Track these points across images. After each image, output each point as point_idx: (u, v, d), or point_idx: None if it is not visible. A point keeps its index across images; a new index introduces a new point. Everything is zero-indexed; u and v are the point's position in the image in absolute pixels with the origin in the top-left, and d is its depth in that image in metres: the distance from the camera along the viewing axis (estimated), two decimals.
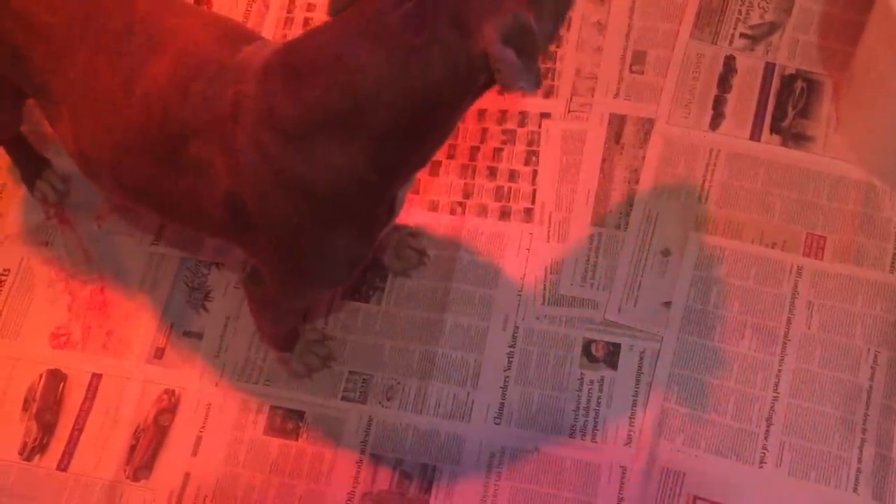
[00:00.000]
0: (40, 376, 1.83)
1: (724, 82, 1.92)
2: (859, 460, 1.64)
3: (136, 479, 1.74)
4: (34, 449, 1.78)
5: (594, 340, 1.76)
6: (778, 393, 1.70)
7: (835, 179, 1.83)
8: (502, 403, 1.73)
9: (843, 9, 1.94)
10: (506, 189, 1.88)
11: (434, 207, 1.88)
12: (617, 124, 1.91)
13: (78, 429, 1.79)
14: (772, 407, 1.69)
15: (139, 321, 1.85)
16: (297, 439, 1.74)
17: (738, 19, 1.96)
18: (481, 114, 1.93)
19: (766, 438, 1.67)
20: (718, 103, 1.90)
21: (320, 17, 2.07)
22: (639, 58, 1.95)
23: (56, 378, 1.83)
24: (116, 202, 1.91)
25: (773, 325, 1.74)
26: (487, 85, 1.23)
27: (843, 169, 1.83)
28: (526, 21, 1.16)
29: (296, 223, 1.33)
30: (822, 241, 1.79)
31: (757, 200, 1.82)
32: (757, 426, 1.68)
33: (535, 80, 1.19)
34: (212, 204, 1.36)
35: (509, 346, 1.77)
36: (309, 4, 2.09)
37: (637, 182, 1.86)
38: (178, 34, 1.37)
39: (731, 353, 1.73)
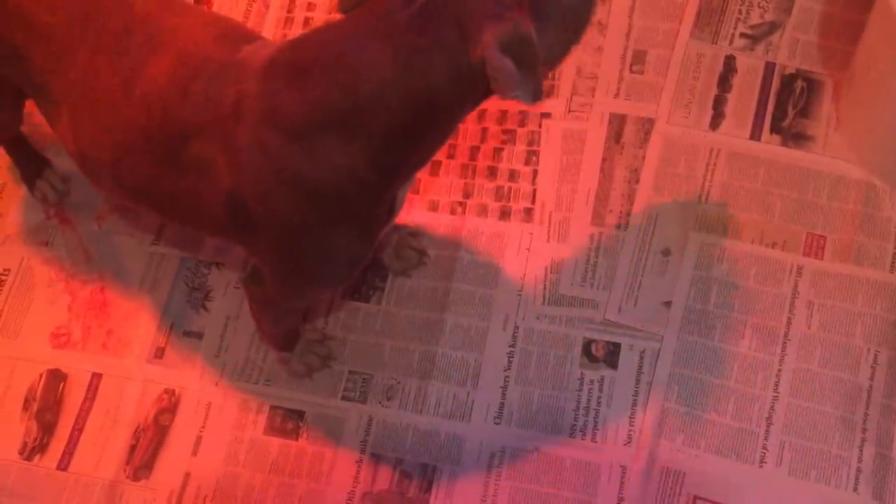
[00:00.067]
0: (40, 376, 1.83)
1: (725, 82, 1.92)
2: (859, 460, 1.64)
3: (136, 478, 1.74)
4: (34, 449, 1.78)
5: (594, 340, 1.76)
6: (778, 392, 1.70)
7: (835, 179, 1.83)
8: (502, 403, 1.74)
9: (843, 8, 1.94)
10: (506, 189, 1.88)
11: (434, 207, 1.88)
12: (617, 124, 1.91)
13: (78, 428, 1.79)
14: (772, 406, 1.69)
15: (139, 321, 1.85)
16: (297, 439, 1.74)
17: (738, 19, 1.96)
18: (481, 114, 1.93)
19: (766, 438, 1.67)
20: (718, 103, 1.90)
21: (320, 16, 2.07)
22: (639, 57, 1.95)
23: (56, 378, 1.83)
24: (116, 202, 1.91)
25: (774, 324, 1.74)
26: (489, 91, 1.23)
27: (844, 168, 1.83)
28: (526, 31, 1.16)
29: (297, 222, 1.33)
30: (823, 241, 1.79)
31: (757, 200, 1.82)
32: (757, 426, 1.68)
33: (534, 91, 1.19)
34: (213, 203, 1.36)
35: (509, 346, 1.77)
36: (309, 4, 2.09)
37: (637, 182, 1.86)
38: (177, 34, 1.37)
39: (732, 352, 1.73)
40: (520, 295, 1.80)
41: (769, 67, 1.92)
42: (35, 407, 1.81)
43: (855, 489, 1.63)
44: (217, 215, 1.37)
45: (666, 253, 1.80)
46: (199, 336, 1.83)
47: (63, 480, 1.75)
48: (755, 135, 1.87)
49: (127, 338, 1.85)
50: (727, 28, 1.95)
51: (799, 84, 1.90)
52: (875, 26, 1.72)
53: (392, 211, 1.42)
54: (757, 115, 1.89)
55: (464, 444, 1.72)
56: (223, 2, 2.11)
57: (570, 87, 1.94)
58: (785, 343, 1.73)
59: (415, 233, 1.84)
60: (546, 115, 1.92)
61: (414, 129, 1.26)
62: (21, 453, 1.78)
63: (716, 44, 1.95)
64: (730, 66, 1.93)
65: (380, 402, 1.75)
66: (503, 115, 1.93)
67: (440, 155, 1.88)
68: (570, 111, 1.93)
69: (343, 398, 1.76)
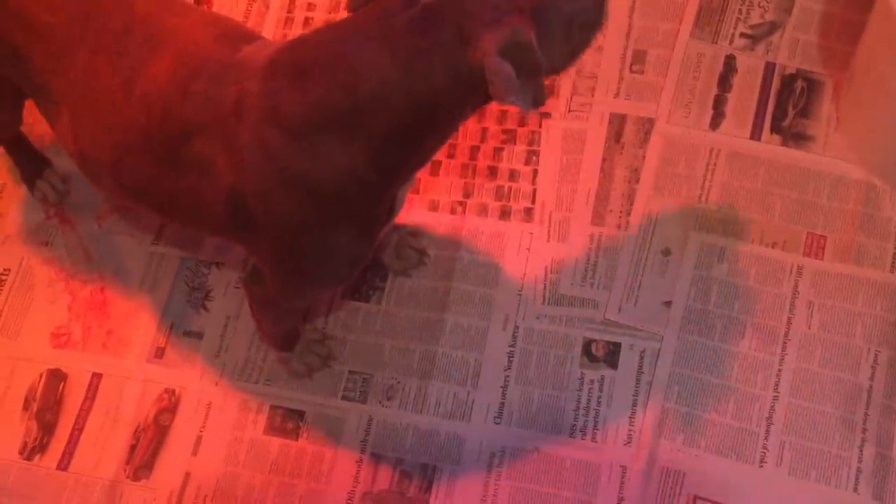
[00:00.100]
0: (41, 376, 1.83)
1: (725, 82, 1.92)
2: (859, 460, 1.64)
3: (136, 478, 1.74)
4: (34, 448, 1.78)
5: (594, 340, 1.76)
6: (778, 392, 1.70)
7: (835, 179, 1.83)
8: (502, 403, 1.73)
9: (843, 8, 1.94)
10: (506, 188, 1.88)
11: (434, 207, 1.88)
12: (617, 124, 1.91)
13: (78, 428, 1.79)
14: (772, 406, 1.69)
15: (139, 321, 1.85)
16: (297, 439, 1.74)
17: (738, 19, 1.96)
18: (481, 113, 1.93)
19: (766, 438, 1.67)
20: (719, 103, 1.90)
21: (320, 16, 2.07)
22: (639, 57, 1.94)
23: (56, 378, 1.83)
24: (116, 202, 1.91)
25: (774, 324, 1.74)
26: (489, 96, 1.23)
27: (844, 168, 1.83)
28: (525, 38, 1.16)
29: (297, 221, 1.33)
30: (823, 241, 1.79)
31: (757, 200, 1.82)
32: (757, 426, 1.68)
33: (533, 98, 1.19)
34: (213, 202, 1.36)
35: (509, 346, 1.77)
36: (309, 4, 2.09)
37: (637, 181, 1.86)
38: (177, 34, 1.37)
39: (732, 352, 1.73)
40: (520, 295, 1.80)
41: (769, 67, 1.92)
42: (35, 407, 1.81)
43: (855, 489, 1.63)
44: (217, 214, 1.37)
45: (666, 253, 1.80)
46: (200, 336, 1.83)
47: (63, 480, 1.75)
48: (755, 135, 1.87)
49: (127, 338, 1.85)
50: (727, 28, 1.95)
51: (799, 84, 1.91)
52: (875, 26, 1.72)
53: (392, 211, 1.42)
54: (757, 115, 1.89)
55: (464, 444, 1.71)
56: (223, 2, 2.11)
57: (570, 86, 1.94)
58: (785, 343, 1.73)
59: (415, 232, 1.84)
60: (546, 115, 1.92)
61: (414, 131, 1.26)
62: (21, 453, 1.78)
63: (716, 44, 1.95)
64: (730, 65, 1.93)
65: (380, 402, 1.75)
66: (503, 114, 1.93)
67: (440, 154, 1.88)
68: (570, 111, 1.93)
69: (343, 398, 1.76)
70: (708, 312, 1.75)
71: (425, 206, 1.88)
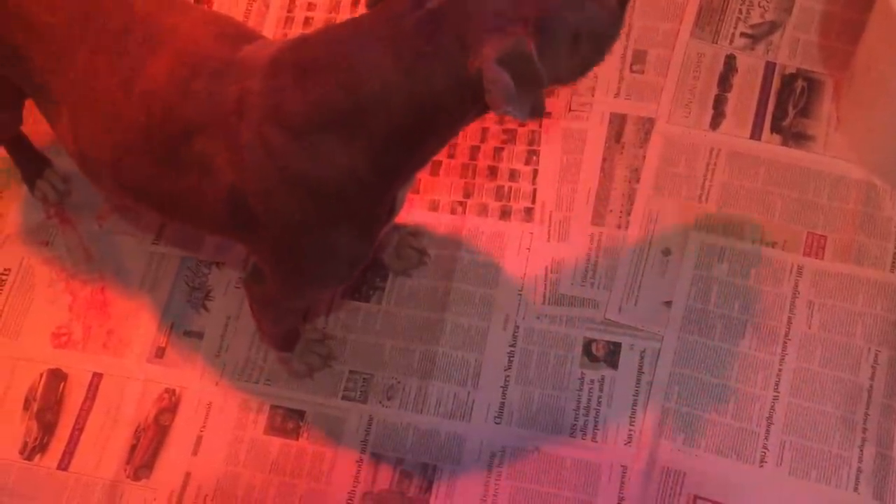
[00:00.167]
0: (41, 376, 1.83)
1: (725, 81, 1.92)
2: (860, 460, 1.64)
3: (136, 478, 1.74)
4: (35, 448, 1.78)
5: (595, 340, 1.76)
6: (778, 392, 1.70)
7: (835, 179, 1.83)
8: (503, 403, 1.73)
9: (843, 8, 1.94)
10: (506, 188, 1.88)
11: (434, 207, 1.88)
12: (617, 123, 1.91)
13: (78, 428, 1.79)
14: (772, 406, 1.69)
15: (140, 321, 1.85)
16: (297, 439, 1.74)
17: (738, 18, 1.96)
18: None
19: (766, 438, 1.67)
20: (719, 102, 1.90)
21: (321, 16, 2.07)
22: (639, 57, 1.94)
23: (57, 377, 1.83)
24: (117, 202, 1.91)
25: (774, 324, 1.74)
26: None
27: (844, 168, 1.83)
28: (526, 48, 1.16)
29: (298, 220, 1.33)
30: (823, 241, 1.79)
31: (757, 200, 1.82)
32: (757, 425, 1.68)
33: (530, 109, 1.19)
34: (214, 201, 1.36)
35: (510, 346, 1.77)
36: (309, 4, 2.09)
37: (637, 181, 1.86)
38: (177, 33, 1.37)
39: (732, 352, 1.73)
40: (520, 294, 1.80)
41: (769, 67, 1.92)
42: (35, 407, 1.81)
43: (855, 489, 1.63)
44: (218, 213, 1.37)
45: (666, 252, 1.80)
46: (200, 336, 1.83)
47: (63, 480, 1.75)
48: (755, 134, 1.87)
49: (127, 337, 1.85)
50: (727, 27, 1.95)
51: (799, 84, 1.90)
52: (875, 26, 1.72)
53: (392, 211, 1.42)
54: (757, 115, 1.89)
55: (464, 444, 1.72)
56: (223, 1, 2.11)
57: (570, 86, 1.94)
58: (785, 343, 1.73)
59: (415, 232, 1.84)
60: (546, 115, 1.92)
61: (414, 133, 1.26)
62: (21, 453, 1.78)
63: (716, 43, 1.95)
64: (730, 65, 1.93)
65: (380, 402, 1.75)
66: None
67: (440, 154, 1.87)
68: (570, 110, 1.93)
69: (343, 398, 1.76)
70: (708, 312, 1.75)
71: (425, 206, 1.88)
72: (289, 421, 1.75)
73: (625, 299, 1.77)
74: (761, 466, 1.65)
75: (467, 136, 1.92)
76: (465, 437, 1.72)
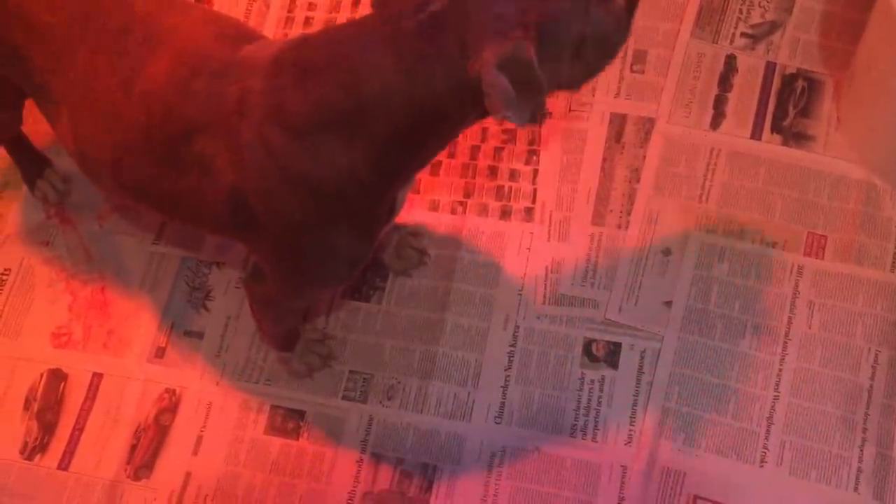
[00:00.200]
0: (41, 376, 1.83)
1: (725, 81, 1.92)
2: (860, 460, 1.64)
3: (136, 478, 1.74)
4: (35, 448, 1.78)
5: (595, 340, 1.76)
6: (779, 392, 1.70)
7: (836, 179, 1.83)
8: (503, 403, 1.73)
9: (844, 8, 1.94)
10: (506, 188, 1.88)
11: (435, 207, 1.88)
12: (618, 123, 1.90)
13: (79, 428, 1.79)
14: (772, 406, 1.69)
15: (140, 321, 1.85)
16: (297, 439, 1.74)
17: (738, 18, 1.96)
18: None
19: (766, 438, 1.67)
20: (719, 102, 1.90)
21: (321, 16, 2.07)
22: (639, 57, 1.94)
23: (57, 377, 1.83)
24: (117, 202, 1.91)
25: (774, 324, 1.74)
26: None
27: (844, 168, 1.83)
28: (525, 54, 1.15)
29: (298, 220, 1.33)
30: (823, 241, 1.79)
31: (758, 200, 1.82)
32: (758, 426, 1.68)
33: (529, 114, 1.18)
34: (214, 201, 1.36)
35: (510, 346, 1.77)
36: (310, 4, 2.09)
37: (638, 181, 1.86)
38: (177, 32, 1.37)
39: (732, 352, 1.72)
40: (520, 294, 1.80)
41: (770, 67, 1.92)
42: (36, 407, 1.81)
43: (856, 489, 1.63)
44: (219, 213, 1.37)
45: (666, 252, 1.80)
46: (200, 336, 1.83)
47: (64, 480, 1.75)
48: (756, 134, 1.87)
49: (128, 337, 1.85)
50: (728, 27, 1.95)
51: (800, 83, 1.90)
52: (876, 25, 1.72)
53: (392, 211, 1.42)
54: (758, 115, 1.89)
55: (464, 444, 1.72)
56: (224, 1, 2.11)
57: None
58: (786, 343, 1.73)
59: (415, 232, 1.84)
60: (546, 115, 1.92)
61: (414, 135, 1.26)
62: (22, 453, 1.78)
63: (716, 43, 1.95)
64: (730, 65, 1.93)
65: (380, 402, 1.75)
66: None
67: (441, 154, 1.87)
68: (570, 110, 1.93)
69: (343, 398, 1.76)
70: (708, 312, 1.75)
71: (426, 206, 1.88)
72: (289, 421, 1.75)
73: (625, 299, 1.77)
74: (761, 466, 1.65)
75: (468, 135, 1.92)
76: (465, 437, 1.72)
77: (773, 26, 1.95)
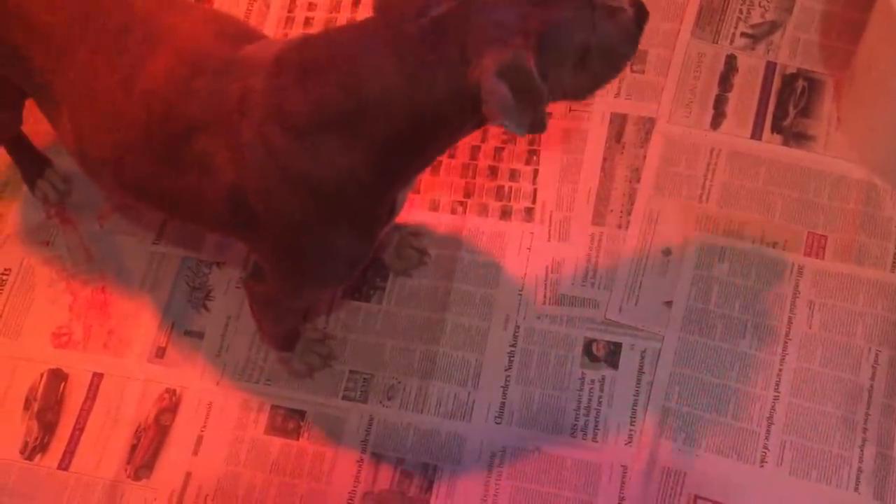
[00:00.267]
0: (41, 376, 1.83)
1: (725, 81, 1.92)
2: (860, 460, 1.64)
3: (137, 478, 1.74)
4: (35, 448, 1.78)
5: (595, 340, 1.76)
6: (779, 392, 1.69)
7: (836, 178, 1.83)
8: (503, 403, 1.73)
9: (844, 7, 1.94)
10: (507, 188, 1.88)
11: (435, 207, 1.88)
12: (618, 123, 1.90)
13: (79, 428, 1.79)
14: (773, 406, 1.69)
15: (140, 320, 1.85)
16: (298, 439, 1.74)
17: (739, 18, 1.96)
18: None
19: (766, 438, 1.67)
20: (719, 102, 1.90)
21: (321, 16, 2.07)
22: (640, 57, 1.94)
23: (57, 377, 1.83)
24: (118, 201, 1.92)
25: (774, 324, 1.74)
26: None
27: (845, 168, 1.83)
28: (525, 62, 1.15)
29: (299, 220, 1.33)
30: (824, 241, 1.79)
31: (758, 200, 1.82)
32: (758, 426, 1.68)
33: (529, 124, 1.18)
34: (215, 200, 1.36)
35: (510, 346, 1.77)
36: (310, 4, 2.09)
37: (638, 181, 1.86)
38: (177, 32, 1.37)
39: (732, 352, 1.72)
40: (520, 294, 1.80)
41: (770, 67, 1.92)
42: (36, 406, 1.81)
43: (856, 489, 1.63)
44: (219, 211, 1.37)
45: (667, 252, 1.80)
46: (200, 335, 1.83)
47: (64, 480, 1.76)
48: (756, 134, 1.87)
49: (128, 337, 1.85)
50: (728, 27, 1.95)
51: (800, 83, 1.90)
52: (876, 25, 1.72)
53: (392, 211, 1.42)
54: (758, 115, 1.89)
55: (465, 444, 1.72)
56: (224, 1, 2.11)
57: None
58: (786, 343, 1.72)
59: (416, 232, 1.84)
60: (547, 115, 1.92)
61: (414, 139, 1.26)
62: (22, 453, 1.78)
63: (717, 43, 1.95)
64: (731, 65, 1.93)
65: (381, 402, 1.75)
66: None
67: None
68: (570, 110, 1.92)
69: (344, 398, 1.76)
70: (709, 312, 1.75)
71: (426, 206, 1.88)
72: (289, 421, 1.75)
73: (625, 299, 1.77)
74: (762, 466, 1.65)
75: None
76: (465, 437, 1.72)
77: (774, 26, 1.95)
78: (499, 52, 1.15)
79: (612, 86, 1.93)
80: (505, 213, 1.86)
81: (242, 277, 1.73)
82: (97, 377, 1.82)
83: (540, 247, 1.83)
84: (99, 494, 1.74)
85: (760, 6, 1.96)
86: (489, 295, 1.80)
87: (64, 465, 1.77)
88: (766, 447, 1.66)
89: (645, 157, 1.87)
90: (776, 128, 1.87)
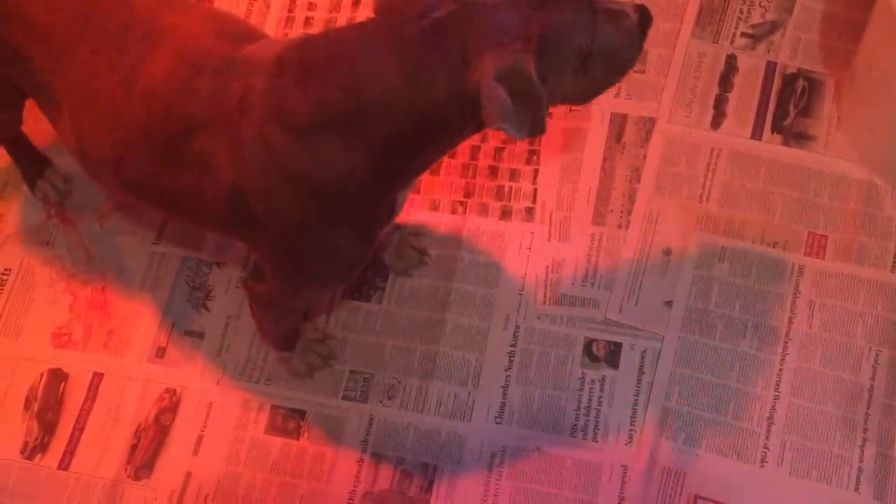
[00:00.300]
0: (41, 375, 1.83)
1: (726, 81, 1.92)
2: (861, 460, 1.64)
3: (137, 478, 1.74)
4: (35, 448, 1.78)
5: (595, 340, 1.76)
6: (779, 392, 1.69)
7: (836, 178, 1.83)
8: (503, 403, 1.73)
9: (844, 7, 1.94)
10: (507, 188, 1.88)
11: (435, 206, 1.88)
12: (618, 123, 1.90)
13: (79, 428, 1.79)
14: (773, 406, 1.69)
15: (140, 320, 1.85)
16: (298, 438, 1.74)
17: (739, 18, 1.96)
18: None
19: (767, 438, 1.67)
20: (720, 102, 1.90)
21: (321, 16, 2.07)
22: (640, 57, 1.92)
23: (57, 377, 1.83)
24: (119, 200, 1.92)
25: (775, 324, 1.74)
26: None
27: (845, 168, 1.83)
28: (524, 67, 1.15)
29: (298, 220, 1.33)
30: (824, 241, 1.79)
31: (758, 199, 1.82)
32: (758, 425, 1.67)
33: (527, 128, 1.18)
34: (215, 199, 1.36)
35: (510, 346, 1.77)
36: (310, 4, 2.09)
37: (638, 181, 1.85)
38: (177, 31, 1.37)
39: (733, 352, 1.72)
40: (521, 294, 1.80)
41: (770, 67, 1.92)
42: (36, 406, 1.81)
43: (856, 489, 1.63)
44: (219, 210, 1.37)
45: (667, 252, 1.80)
46: (201, 335, 1.83)
47: (64, 480, 1.75)
48: (756, 134, 1.87)
49: (128, 337, 1.85)
50: (728, 27, 1.95)
51: (800, 83, 1.90)
52: (877, 25, 1.72)
53: (392, 212, 1.42)
54: (758, 115, 1.89)
55: (465, 444, 1.71)
56: (224, 2, 2.11)
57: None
58: (786, 342, 1.72)
59: (416, 232, 1.84)
60: (547, 114, 1.92)
61: (414, 141, 1.26)
62: (22, 453, 1.78)
63: (717, 43, 1.94)
64: (731, 65, 1.93)
65: (381, 402, 1.75)
66: None
67: None
68: (570, 110, 1.92)
69: (344, 398, 1.76)
70: (709, 312, 1.75)
71: (426, 206, 1.88)
72: (289, 421, 1.75)
73: (625, 299, 1.77)
74: (762, 466, 1.65)
75: None
76: (465, 436, 1.72)
77: (774, 26, 1.95)
78: (499, 56, 1.15)
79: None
80: (505, 213, 1.86)
81: (242, 277, 1.73)
82: (97, 377, 1.82)
83: (540, 247, 1.83)
84: (99, 494, 1.74)
85: (761, 6, 1.96)
86: (489, 295, 1.80)
87: (64, 464, 1.77)
88: (766, 447, 1.66)
89: (645, 156, 1.87)
90: (776, 128, 1.87)
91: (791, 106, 1.89)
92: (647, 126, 1.89)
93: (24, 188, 1.95)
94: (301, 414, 1.76)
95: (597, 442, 1.69)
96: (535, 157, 1.90)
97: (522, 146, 1.90)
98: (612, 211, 1.84)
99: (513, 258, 1.82)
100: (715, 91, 1.91)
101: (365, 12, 2.05)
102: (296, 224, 1.34)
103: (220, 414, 1.77)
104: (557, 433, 1.70)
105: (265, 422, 1.76)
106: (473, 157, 1.91)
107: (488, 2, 1.18)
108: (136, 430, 1.78)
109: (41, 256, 1.92)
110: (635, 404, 1.71)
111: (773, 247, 1.79)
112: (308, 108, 1.25)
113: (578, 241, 1.82)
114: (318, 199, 1.30)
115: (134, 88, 1.36)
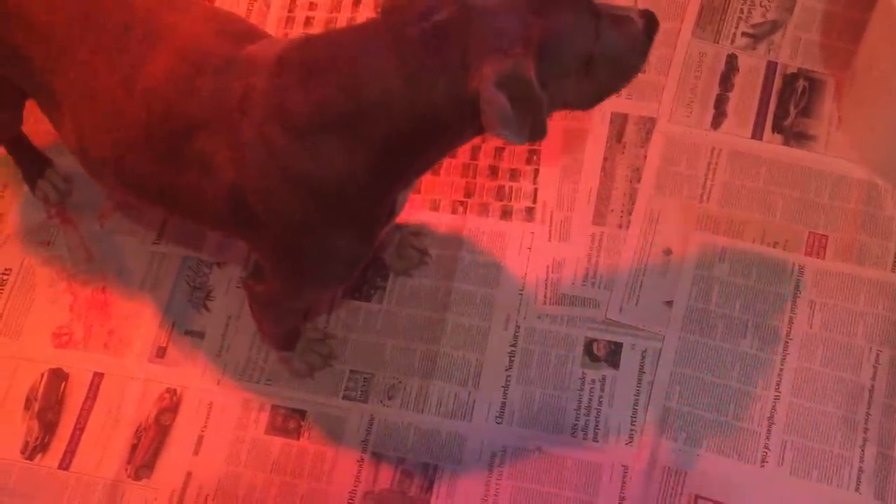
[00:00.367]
0: (42, 375, 1.83)
1: (726, 81, 1.92)
2: (861, 460, 1.64)
3: (137, 478, 1.74)
4: (36, 448, 1.78)
5: (596, 340, 1.76)
6: (780, 392, 1.69)
7: (837, 178, 1.83)
8: (504, 403, 1.73)
9: (845, 7, 1.94)
10: (507, 188, 1.88)
11: (435, 206, 1.88)
12: (618, 123, 1.90)
13: (79, 428, 1.79)
14: (773, 406, 1.69)
15: (141, 320, 1.85)
16: (298, 438, 1.74)
17: (739, 18, 1.96)
18: None
19: (767, 438, 1.66)
20: (720, 102, 1.90)
21: (322, 16, 2.07)
22: None
23: (58, 377, 1.83)
24: (119, 199, 1.92)
25: (775, 324, 1.74)
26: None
27: (846, 168, 1.83)
28: (524, 72, 1.15)
29: (298, 220, 1.33)
30: (824, 240, 1.79)
31: (759, 199, 1.82)
32: (758, 425, 1.67)
33: (527, 133, 1.17)
34: (215, 198, 1.36)
35: (511, 346, 1.77)
36: (311, 4, 2.09)
37: (639, 181, 1.85)
38: (177, 30, 1.37)
39: (733, 352, 1.72)
40: (521, 294, 1.80)
41: (771, 66, 1.92)
42: (37, 406, 1.81)
43: (857, 489, 1.63)
44: (219, 210, 1.37)
45: (667, 252, 1.80)
46: (201, 335, 1.83)
47: (64, 480, 1.75)
48: (757, 134, 1.87)
49: (128, 337, 1.85)
50: (729, 27, 1.95)
51: (801, 83, 1.90)
52: (877, 25, 1.72)
53: (392, 212, 1.42)
54: (759, 115, 1.88)
55: (465, 444, 1.71)
56: (224, 1, 2.11)
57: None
58: (787, 342, 1.72)
59: (416, 232, 1.84)
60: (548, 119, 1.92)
61: (414, 143, 1.26)
62: (23, 453, 1.78)
63: (717, 43, 1.94)
64: (731, 65, 1.93)
65: (381, 402, 1.75)
66: None
67: None
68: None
69: (344, 397, 1.76)
70: (709, 312, 1.75)
71: (426, 206, 1.88)
72: (290, 420, 1.75)
73: (626, 299, 1.77)
74: (762, 466, 1.65)
75: None
76: (466, 436, 1.72)
77: (775, 26, 1.95)
78: (498, 61, 1.15)
79: None
80: (505, 213, 1.86)
81: (243, 277, 1.73)
82: (98, 377, 1.82)
83: (540, 246, 1.83)
84: (99, 494, 1.74)
85: (761, 6, 1.96)
86: (490, 295, 1.80)
87: (64, 464, 1.77)
88: (766, 447, 1.66)
89: (646, 156, 1.87)
90: (777, 127, 1.87)
91: (791, 106, 1.89)
92: (648, 126, 1.89)
93: (25, 188, 1.95)
94: (301, 414, 1.76)
95: (597, 442, 1.69)
96: (535, 157, 1.90)
97: (523, 146, 1.90)
98: (612, 211, 1.84)
99: (513, 258, 1.82)
100: (715, 91, 1.91)
101: (365, 12, 2.05)
102: (296, 224, 1.34)
103: (221, 414, 1.77)
104: (558, 433, 1.70)
105: (266, 422, 1.76)
106: (474, 156, 1.91)
107: (489, 5, 1.18)
108: (137, 430, 1.78)
109: (41, 256, 1.92)
110: (636, 404, 1.71)
111: (774, 247, 1.79)
112: (309, 109, 1.25)
113: (579, 240, 1.82)
114: (318, 199, 1.30)
115: (134, 88, 1.36)
